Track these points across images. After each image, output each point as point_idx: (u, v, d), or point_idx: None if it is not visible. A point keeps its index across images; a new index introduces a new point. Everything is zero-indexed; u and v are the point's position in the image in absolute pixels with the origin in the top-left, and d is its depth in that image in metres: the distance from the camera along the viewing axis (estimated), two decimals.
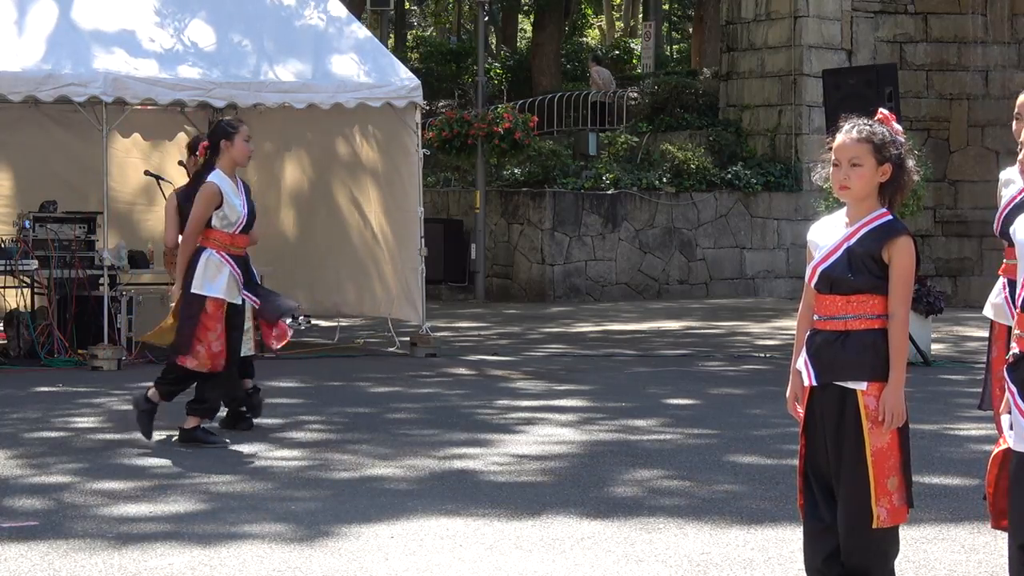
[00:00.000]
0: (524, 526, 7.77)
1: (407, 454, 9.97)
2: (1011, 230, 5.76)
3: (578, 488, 8.80)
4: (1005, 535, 5.76)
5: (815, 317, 5.88)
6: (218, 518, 7.94)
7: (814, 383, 5.84)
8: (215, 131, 10.57)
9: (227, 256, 10.31)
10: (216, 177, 10.29)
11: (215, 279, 10.26)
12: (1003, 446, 5.73)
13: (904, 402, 5.70)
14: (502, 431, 11.09)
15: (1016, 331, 5.62)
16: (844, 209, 5.91)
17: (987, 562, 7.00)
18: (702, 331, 20.35)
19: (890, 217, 5.80)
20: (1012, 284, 7.66)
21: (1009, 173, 7.94)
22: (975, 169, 27.09)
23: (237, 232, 10.39)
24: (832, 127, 5.96)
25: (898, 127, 5.91)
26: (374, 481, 9.07)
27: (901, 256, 5.73)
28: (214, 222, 10.27)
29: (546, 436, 10.82)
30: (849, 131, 5.80)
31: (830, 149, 5.86)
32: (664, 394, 13.42)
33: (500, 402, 12.76)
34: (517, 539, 7.48)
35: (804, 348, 5.90)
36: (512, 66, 39.33)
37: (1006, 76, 27.06)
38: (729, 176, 26.67)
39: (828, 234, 5.89)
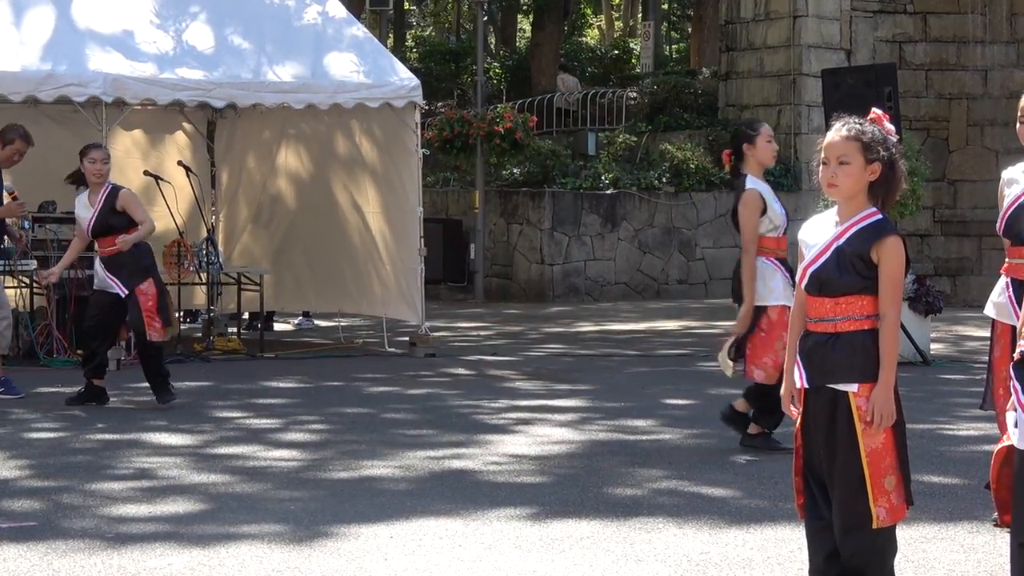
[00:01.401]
0: (523, 526, 7.77)
1: (406, 454, 9.97)
2: None
3: (577, 488, 8.80)
4: (1004, 534, 5.78)
5: (807, 319, 5.88)
6: (217, 518, 7.94)
7: (806, 385, 5.85)
8: (736, 136, 10.38)
9: (776, 261, 10.10)
10: (754, 183, 10.10)
11: (771, 286, 10.05)
12: (1006, 442, 5.75)
13: (894, 402, 5.70)
14: (501, 431, 11.09)
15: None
16: (835, 208, 5.91)
17: (986, 561, 6.99)
18: (701, 331, 20.35)
19: (880, 216, 5.79)
20: (1015, 283, 7.68)
21: (1012, 172, 7.94)
22: (974, 169, 27.09)
23: (781, 235, 10.21)
24: (828, 127, 5.98)
25: (890, 127, 5.91)
26: (373, 481, 9.06)
27: (890, 256, 5.73)
28: (760, 228, 10.05)
29: (545, 436, 10.82)
30: (839, 129, 5.82)
31: (820, 149, 5.88)
32: (663, 394, 13.43)
33: (499, 402, 12.77)
34: (516, 539, 7.47)
35: (797, 350, 5.91)
36: (511, 66, 39.37)
37: (1005, 75, 27.06)
38: (726, 176, 26.67)
39: (818, 234, 5.89)
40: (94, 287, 12.59)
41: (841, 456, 5.76)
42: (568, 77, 32.90)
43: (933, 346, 16.59)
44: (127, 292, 12.14)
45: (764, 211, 10.04)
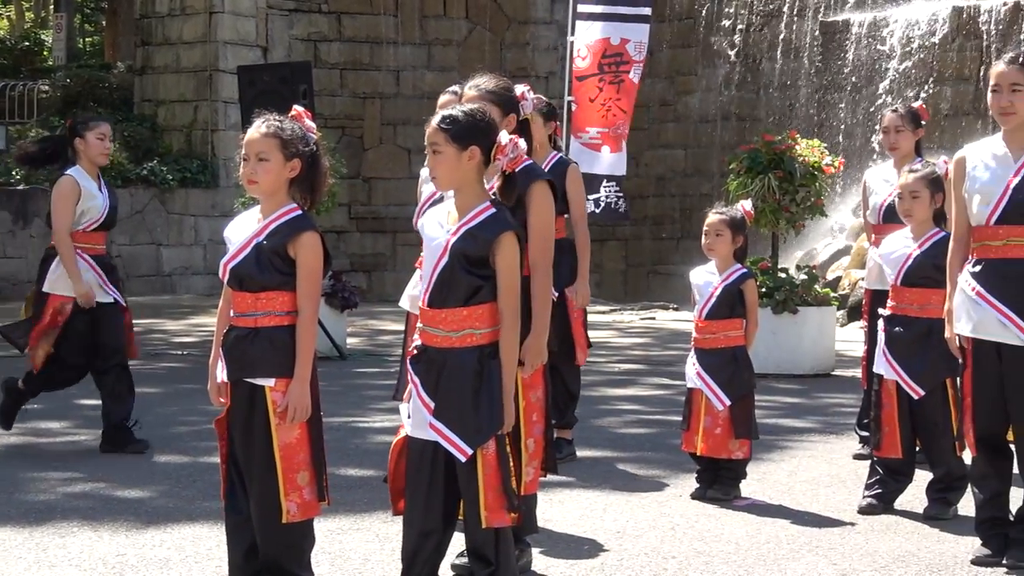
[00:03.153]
0: None
1: None
2: (419, 226, 5.96)
3: None
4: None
5: (231, 313, 5.89)
6: None
7: (226, 379, 5.85)
8: None
9: None
10: None
11: None
12: (403, 434, 5.94)
13: (309, 396, 5.78)
14: None
15: (420, 324, 5.83)
16: (259, 205, 5.95)
17: (400, 550, 7.15)
18: None
19: (298, 213, 5.88)
20: None
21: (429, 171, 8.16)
22: (388, 167, 27.75)
23: None
24: (247, 123, 5.99)
25: (311, 124, 6.00)
26: None
27: (306, 252, 5.82)
28: None
29: None
30: (259, 127, 5.86)
31: (242, 146, 5.89)
32: (76, 394, 13.00)
33: None
34: None
35: (220, 344, 5.91)
36: None
37: (417, 76, 27.86)
38: (145, 172, 26.31)
39: (241, 230, 5.91)
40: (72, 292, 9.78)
41: (258, 450, 5.80)
42: None
43: (349, 340, 16.89)
44: (120, 301, 10.04)
45: None
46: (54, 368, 10.00)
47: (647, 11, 17.93)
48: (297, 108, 6.06)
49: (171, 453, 9.92)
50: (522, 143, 5.84)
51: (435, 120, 5.78)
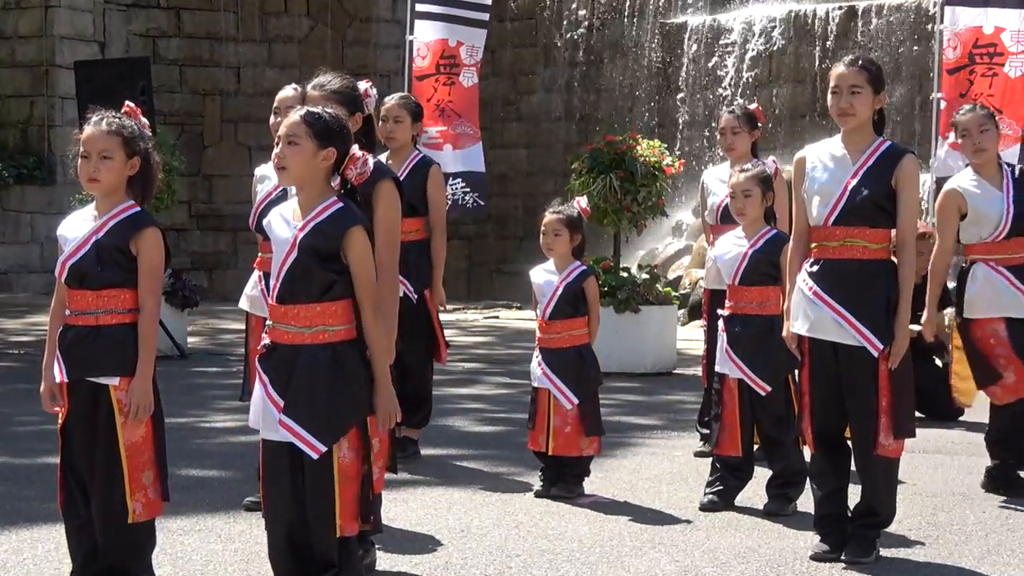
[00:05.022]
0: None
1: None
2: (265, 223, 5.93)
3: None
4: (262, 523, 5.91)
5: (67, 312, 5.81)
6: None
7: (65, 379, 5.77)
8: None
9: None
10: None
11: None
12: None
13: (152, 394, 5.73)
14: None
15: (269, 322, 5.79)
16: (94, 203, 5.88)
17: (243, 550, 7.10)
18: None
19: (137, 209, 5.85)
20: (267, 276, 7.85)
21: (264, 169, 8.11)
22: (229, 164, 27.51)
23: None
24: (84, 120, 5.92)
25: (144, 120, 5.95)
26: None
27: (148, 248, 5.78)
28: None
29: None
30: (98, 124, 5.78)
31: (79, 142, 5.82)
32: None
33: None
34: None
35: (56, 344, 5.83)
36: None
37: (258, 73, 27.66)
38: None
39: (75, 228, 5.85)
40: None
41: (101, 450, 5.75)
42: None
43: (190, 339, 16.72)
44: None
45: None
46: None
47: (485, 16, 17.91)
48: (129, 104, 5.99)
49: (8, 454, 9.74)
50: (371, 161, 5.86)
51: (300, 113, 5.72)
